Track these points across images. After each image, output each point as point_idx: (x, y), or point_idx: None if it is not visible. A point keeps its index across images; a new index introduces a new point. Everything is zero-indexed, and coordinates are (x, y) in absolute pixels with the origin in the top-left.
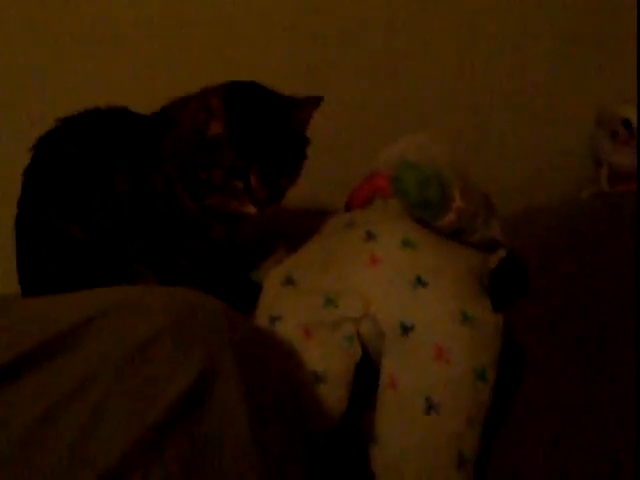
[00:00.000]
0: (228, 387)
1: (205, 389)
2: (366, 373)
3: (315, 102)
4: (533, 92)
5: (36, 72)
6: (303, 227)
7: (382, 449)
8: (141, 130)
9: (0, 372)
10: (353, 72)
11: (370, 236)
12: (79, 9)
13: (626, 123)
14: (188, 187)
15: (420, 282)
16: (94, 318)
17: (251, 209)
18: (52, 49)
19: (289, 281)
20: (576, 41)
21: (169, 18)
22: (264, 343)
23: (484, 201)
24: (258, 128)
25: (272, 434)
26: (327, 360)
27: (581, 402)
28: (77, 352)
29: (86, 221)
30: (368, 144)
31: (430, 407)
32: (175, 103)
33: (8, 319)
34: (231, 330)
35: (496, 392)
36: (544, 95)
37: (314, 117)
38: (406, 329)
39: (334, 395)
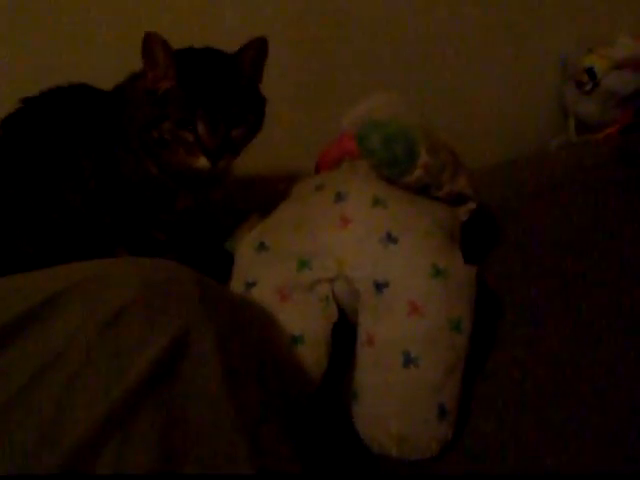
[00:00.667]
0: (202, 352)
1: (179, 355)
2: (344, 332)
3: (257, 44)
4: (499, 43)
5: None
6: (274, 193)
7: (364, 406)
8: (102, 105)
9: None
10: (321, 27)
11: (339, 197)
12: None
13: (590, 72)
14: (146, 150)
15: (391, 239)
16: (63, 292)
17: (204, 161)
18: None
19: (262, 246)
20: None
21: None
22: (240, 308)
23: (450, 156)
24: (205, 80)
25: (250, 396)
26: (304, 322)
27: (566, 350)
28: (46, 327)
29: (56, 200)
30: (335, 104)
31: (408, 361)
32: (131, 77)
33: None
34: (205, 297)
35: (473, 341)
36: (510, 45)
37: (279, 84)
38: (380, 286)
39: (313, 356)
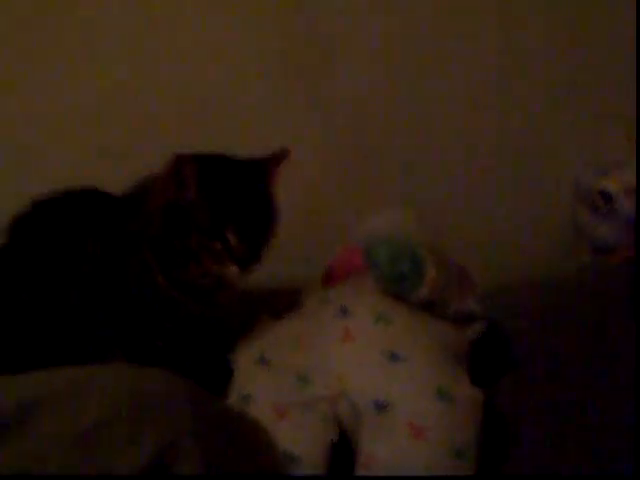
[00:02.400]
0: (187, 467)
1: (163, 469)
2: (344, 453)
3: (282, 156)
4: (511, 162)
5: None
6: (279, 305)
7: None
8: (112, 210)
9: None
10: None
11: (344, 311)
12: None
13: (605, 195)
14: (162, 263)
15: (394, 358)
16: (45, 398)
17: (233, 269)
18: None
19: (262, 360)
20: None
21: None
22: (233, 424)
23: (458, 273)
24: (229, 188)
25: None
26: (302, 442)
27: None
28: (25, 433)
29: (59, 304)
30: (342, 220)
31: None
32: (143, 181)
33: None
34: (197, 410)
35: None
36: (524, 164)
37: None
38: (381, 407)
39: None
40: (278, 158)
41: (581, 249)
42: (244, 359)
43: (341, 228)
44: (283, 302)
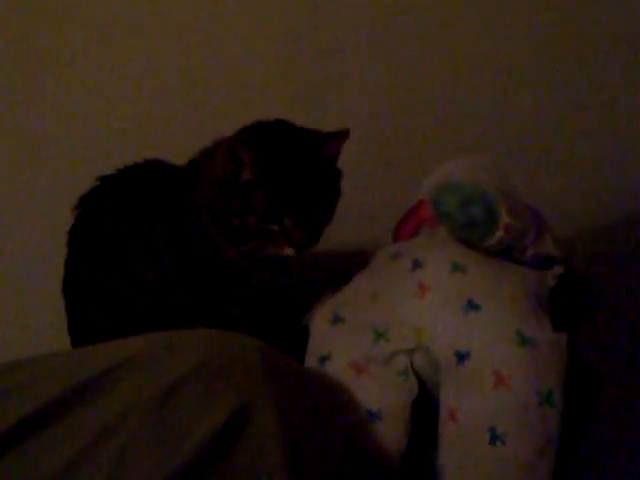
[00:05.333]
0: (262, 430)
1: (237, 431)
2: (426, 407)
3: (343, 135)
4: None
5: None
6: (351, 263)
7: None
8: (174, 182)
9: (25, 422)
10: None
11: (417, 264)
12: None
13: None
14: (224, 234)
15: (472, 306)
16: (120, 365)
17: (289, 251)
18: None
19: (337, 319)
20: None
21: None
22: (309, 384)
23: (534, 217)
24: (288, 169)
25: (317, 474)
26: (382, 398)
27: None
28: (102, 400)
29: (131, 277)
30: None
31: (495, 437)
32: (204, 152)
33: (35, 370)
34: (269, 371)
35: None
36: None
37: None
38: (462, 357)
39: (391, 434)
40: (340, 135)
41: None
42: (318, 320)
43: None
44: (355, 261)
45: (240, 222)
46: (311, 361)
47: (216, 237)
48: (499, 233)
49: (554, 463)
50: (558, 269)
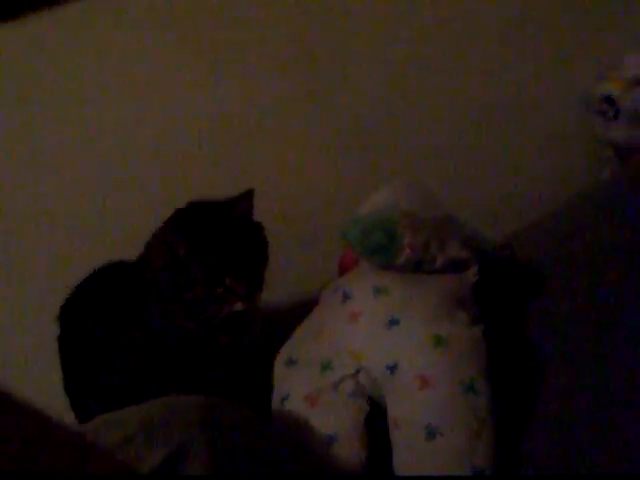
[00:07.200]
0: (196, 466)
1: (172, 469)
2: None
3: (248, 195)
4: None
5: None
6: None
7: None
8: (131, 277)
9: None
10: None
11: (346, 296)
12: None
13: (608, 99)
14: (182, 312)
15: (393, 322)
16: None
17: (240, 305)
18: None
19: (290, 361)
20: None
21: None
22: (247, 424)
23: (438, 226)
24: (215, 238)
25: None
26: (335, 422)
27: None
28: None
29: (117, 367)
30: None
31: (431, 433)
32: (147, 245)
33: None
34: (205, 420)
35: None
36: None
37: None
38: (392, 369)
39: (349, 450)
40: (247, 195)
41: (607, 160)
42: (277, 365)
43: None
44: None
45: (190, 294)
46: (276, 403)
47: (177, 316)
48: (405, 252)
49: (493, 441)
50: (473, 268)
